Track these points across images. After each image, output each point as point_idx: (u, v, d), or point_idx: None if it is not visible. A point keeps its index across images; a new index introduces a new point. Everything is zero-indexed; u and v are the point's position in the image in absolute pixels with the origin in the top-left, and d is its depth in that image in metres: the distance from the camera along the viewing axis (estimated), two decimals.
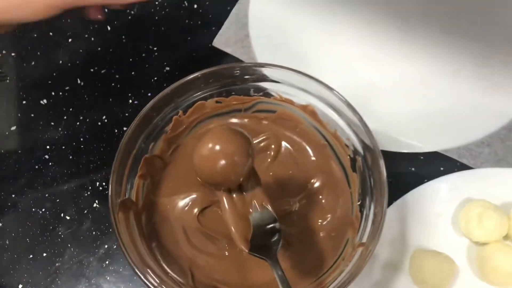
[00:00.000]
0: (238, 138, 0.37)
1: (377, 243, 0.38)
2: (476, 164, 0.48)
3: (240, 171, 0.37)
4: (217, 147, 0.36)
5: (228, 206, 0.39)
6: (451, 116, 0.50)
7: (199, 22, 0.59)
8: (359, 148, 0.43)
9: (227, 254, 0.43)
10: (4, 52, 0.58)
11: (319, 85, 0.43)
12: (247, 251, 0.37)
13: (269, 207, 0.39)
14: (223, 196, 0.39)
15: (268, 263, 0.37)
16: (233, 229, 0.38)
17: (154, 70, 0.56)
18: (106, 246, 0.47)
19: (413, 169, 0.50)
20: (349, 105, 0.42)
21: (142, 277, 0.37)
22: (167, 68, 0.57)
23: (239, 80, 0.46)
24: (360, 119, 0.41)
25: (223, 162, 0.36)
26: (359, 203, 0.43)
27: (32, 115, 0.54)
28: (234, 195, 0.39)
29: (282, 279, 0.36)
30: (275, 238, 0.38)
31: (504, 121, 0.49)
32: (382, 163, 0.40)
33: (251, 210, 0.39)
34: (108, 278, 0.46)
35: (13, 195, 0.50)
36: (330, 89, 0.42)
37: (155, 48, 0.58)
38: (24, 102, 0.55)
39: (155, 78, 0.56)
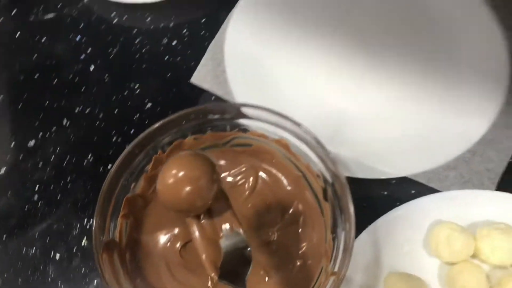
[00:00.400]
0: (201, 163, 0.37)
1: (347, 271, 0.40)
2: (444, 187, 0.51)
3: (206, 197, 0.37)
4: (180, 174, 0.36)
5: (197, 232, 0.39)
6: (419, 142, 0.53)
7: (178, 59, 0.62)
8: (329, 179, 0.45)
9: (210, 286, 0.45)
10: None
11: (289, 122, 0.46)
12: (216, 278, 0.38)
13: (240, 231, 0.39)
14: (193, 222, 0.39)
15: None
16: (203, 256, 0.39)
17: (136, 107, 0.59)
18: (95, 282, 0.49)
19: (385, 193, 0.53)
20: (316, 140, 0.44)
21: None
22: (149, 105, 0.59)
23: (218, 117, 0.49)
24: (327, 153, 0.44)
25: (187, 188, 0.36)
26: (331, 231, 0.45)
27: (21, 157, 0.57)
28: (203, 221, 0.39)
29: None
30: (246, 263, 0.38)
31: (468, 145, 0.51)
32: (349, 194, 0.42)
33: (221, 234, 0.39)
34: None
35: (4, 237, 0.52)
36: (298, 125, 0.45)
37: (136, 86, 0.60)
38: (12, 144, 0.57)
39: (137, 115, 0.58)
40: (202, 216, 0.39)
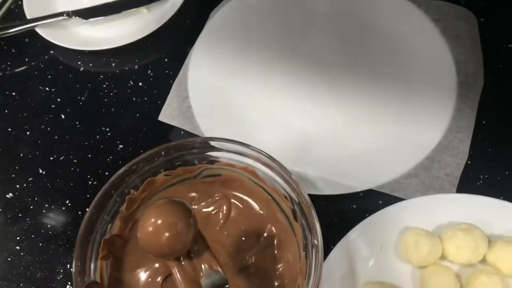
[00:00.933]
0: (178, 209, 0.40)
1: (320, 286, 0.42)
2: (407, 195, 0.53)
3: (185, 240, 0.39)
4: (159, 221, 0.39)
5: (178, 274, 0.41)
6: (380, 154, 0.55)
7: (146, 99, 0.64)
8: (296, 200, 0.47)
9: None
10: None
11: (253, 150, 0.48)
12: None
13: (219, 269, 0.42)
14: (173, 265, 0.42)
15: None
16: None
17: (108, 150, 0.61)
18: None
19: (354, 206, 0.55)
20: (279, 164, 0.47)
21: None
22: (121, 146, 0.61)
23: (186, 152, 0.51)
24: (290, 176, 0.46)
25: (167, 234, 0.38)
26: (303, 250, 0.47)
27: (0, 209, 0.58)
28: (184, 262, 0.42)
29: None
30: None
31: (426, 152, 0.54)
32: (314, 212, 0.44)
33: (201, 274, 0.41)
34: None
35: None
36: (261, 153, 0.47)
37: (107, 129, 0.62)
38: None
39: (110, 157, 0.60)
40: (182, 258, 0.42)
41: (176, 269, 0.42)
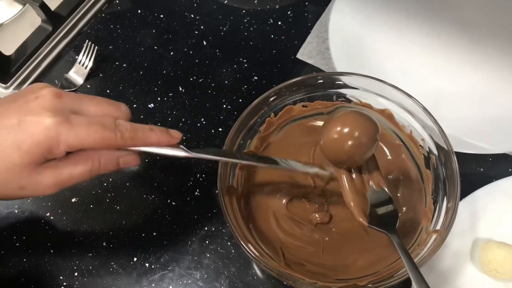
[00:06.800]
0: (367, 122, 0.42)
1: (450, 231, 0.43)
2: None
3: (365, 153, 0.43)
4: (346, 129, 0.42)
5: (347, 183, 0.45)
6: None
7: (283, 37, 0.67)
8: (433, 148, 0.48)
9: (312, 237, 0.49)
10: (117, 63, 0.68)
11: (398, 92, 0.49)
12: (366, 224, 0.43)
13: (386, 188, 0.45)
14: (343, 174, 0.45)
15: (388, 236, 0.42)
16: (352, 204, 0.44)
17: (244, 79, 0.64)
18: (206, 228, 0.55)
19: (481, 169, 0.55)
20: (425, 110, 0.47)
21: (245, 246, 0.44)
22: (255, 78, 0.64)
23: (323, 87, 0.53)
24: (435, 121, 0.47)
25: (350, 143, 0.41)
26: (432, 196, 0.48)
27: (142, 116, 0.64)
28: (353, 175, 0.45)
29: (403, 250, 0.41)
30: (391, 214, 0.44)
31: None
32: (455, 161, 0.45)
33: (368, 189, 0.45)
34: (208, 255, 0.54)
35: (127, 184, 0.59)
36: (409, 96, 0.48)
37: (244, 60, 0.66)
38: (134, 105, 0.64)
39: (245, 86, 0.64)
40: (353, 170, 0.45)
41: (345, 178, 0.45)
